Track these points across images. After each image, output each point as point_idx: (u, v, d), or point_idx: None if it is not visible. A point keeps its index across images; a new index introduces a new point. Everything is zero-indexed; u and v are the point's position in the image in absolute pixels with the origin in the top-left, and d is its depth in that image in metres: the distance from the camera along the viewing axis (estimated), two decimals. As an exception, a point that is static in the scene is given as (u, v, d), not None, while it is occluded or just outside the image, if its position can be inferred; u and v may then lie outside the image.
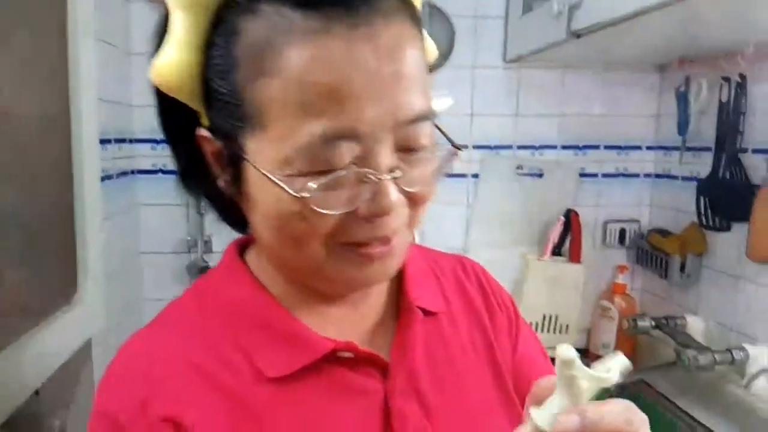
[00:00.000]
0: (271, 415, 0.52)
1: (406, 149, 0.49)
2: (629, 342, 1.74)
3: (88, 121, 1.00)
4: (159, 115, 0.56)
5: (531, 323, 1.71)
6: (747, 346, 1.34)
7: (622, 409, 0.43)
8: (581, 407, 0.43)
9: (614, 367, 0.44)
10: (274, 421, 0.52)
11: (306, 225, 0.49)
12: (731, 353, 1.33)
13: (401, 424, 0.54)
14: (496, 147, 1.73)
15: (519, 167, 1.75)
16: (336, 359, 0.54)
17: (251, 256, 0.61)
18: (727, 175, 1.40)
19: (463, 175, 1.73)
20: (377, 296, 0.61)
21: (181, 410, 0.50)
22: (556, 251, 1.72)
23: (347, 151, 0.47)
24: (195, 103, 0.52)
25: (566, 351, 0.43)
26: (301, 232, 0.49)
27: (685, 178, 1.63)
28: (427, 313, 0.61)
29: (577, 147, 1.76)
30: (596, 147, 1.76)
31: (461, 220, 1.76)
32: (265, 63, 0.46)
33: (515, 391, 0.63)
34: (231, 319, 0.55)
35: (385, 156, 0.48)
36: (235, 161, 0.51)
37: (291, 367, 0.53)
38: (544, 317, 1.74)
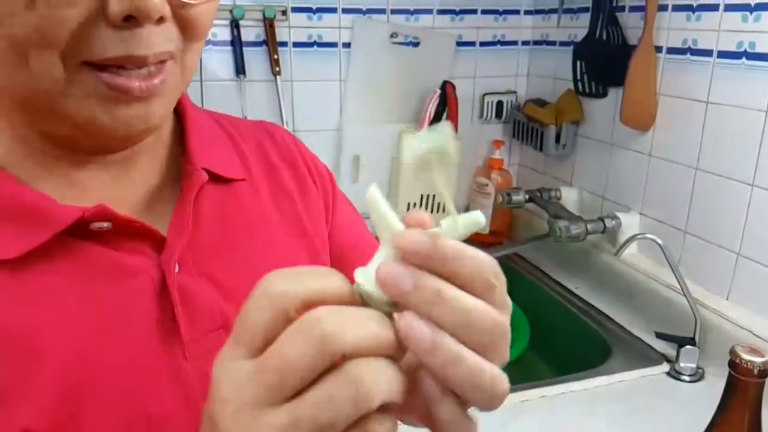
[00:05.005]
0: (5, 306, 0.39)
1: None
2: (505, 217, 1.72)
3: None
4: None
5: (409, 204, 1.65)
6: (619, 214, 1.33)
7: (490, 259, 0.31)
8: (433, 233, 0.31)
9: (463, 220, 0.32)
10: (8, 314, 0.38)
11: (34, 21, 0.34)
12: (603, 222, 1.32)
13: (186, 305, 0.43)
14: (369, 11, 1.56)
15: (393, 35, 1.60)
16: (91, 234, 0.42)
17: None
18: (604, 36, 1.32)
19: (333, 44, 1.56)
20: (151, 158, 0.48)
21: None
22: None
23: None
24: None
25: (370, 191, 0.32)
26: (27, 32, 0.35)
27: (563, 44, 1.55)
28: (220, 179, 0.50)
29: (453, 12, 1.62)
30: (473, 12, 1.63)
31: (335, 98, 1.61)
32: None
33: (334, 263, 0.54)
34: None
35: None
36: None
37: (25, 246, 0.39)
38: (422, 197, 1.67)
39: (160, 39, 0.38)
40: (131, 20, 0.36)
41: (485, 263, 0.30)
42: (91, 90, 0.38)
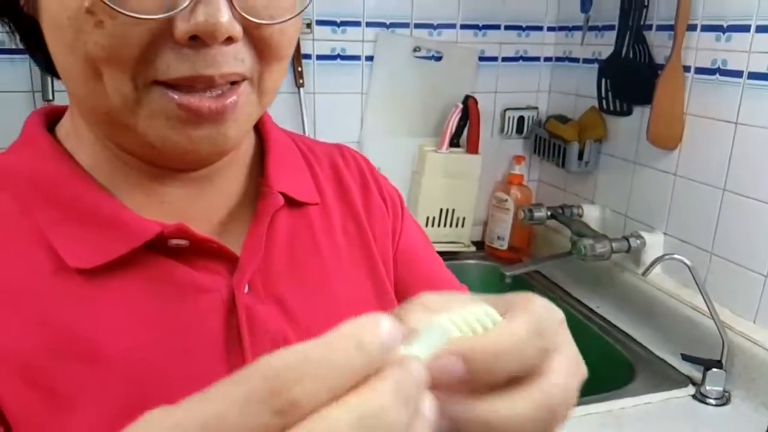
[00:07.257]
0: (76, 314, 0.39)
1: None
2: (525, 233, 1.71)
3: None
4: None
5: (428, 218, 1.64)
6: (643, 233, 1.32)
7: (528, 328, 0.28)
8: (466, 345, 0.26)
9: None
10: (78, 321, 0.39)
11: (103, 40, 0.35)
12: (627, 241, 1.31)
13: (251, 326, 0.43)
14: (392, 25, 1.56)
15: (416, 49, 1.60)
16: (168, 250, 0.42)
17: (63, 124, 0.46)
18: (630, 54, 1.32)
19: (356, 57, 1.56)
20: (230, 177, 0.49)
21: None
22: (454, 142, 1.62)
23: None
24: None
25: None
26: (97, 50, 0.35)
27: (586, 61, 1.54)
28: (294, 203, 0.50)
29: (476, 27, 1.62)
30: (496, 27, 1.63)
31: (356, 111, 1.61)
32: None
33: (396, 286, 0.55)
34: (24, 199, 0.42)
35: None
36: None
37: (104, 257, 0.40)
38: (441, 211, 1.66)
39: (229, 59, 0.37)
40: (198, 40, 0.36)
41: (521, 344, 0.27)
42: (160, 109, 0.38)
